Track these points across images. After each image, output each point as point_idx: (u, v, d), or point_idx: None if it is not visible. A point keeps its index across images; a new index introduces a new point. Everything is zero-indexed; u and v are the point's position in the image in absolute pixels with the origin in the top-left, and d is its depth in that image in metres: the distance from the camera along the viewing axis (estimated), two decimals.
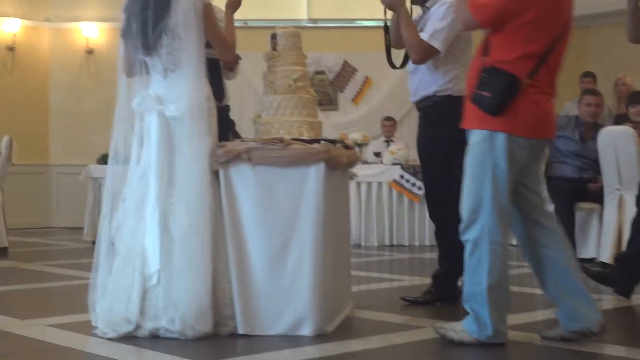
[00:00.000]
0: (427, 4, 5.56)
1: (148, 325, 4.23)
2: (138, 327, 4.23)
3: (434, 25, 5.33)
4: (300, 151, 4.34)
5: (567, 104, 9.80)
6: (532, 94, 4.04)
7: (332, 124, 12.98)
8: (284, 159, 4.33)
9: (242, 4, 4.99)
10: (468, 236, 4.14)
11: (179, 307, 4.18)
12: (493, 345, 4.09)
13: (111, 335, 4.24)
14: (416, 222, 9.96)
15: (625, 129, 7.25)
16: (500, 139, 4.04)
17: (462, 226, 4.18)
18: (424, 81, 5.51)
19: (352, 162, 4.94)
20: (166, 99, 4.35)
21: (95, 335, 4.34)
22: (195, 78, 4.31)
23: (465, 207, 4.17)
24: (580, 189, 7.92)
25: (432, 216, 5.75)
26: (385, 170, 10.08)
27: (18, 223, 11.83)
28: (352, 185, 9.43)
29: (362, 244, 9.90)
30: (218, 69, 5.03)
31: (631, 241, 5.62)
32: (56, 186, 13.45)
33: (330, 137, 5.09)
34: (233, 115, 5.74)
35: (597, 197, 7.76)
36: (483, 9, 4.08)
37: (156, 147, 4.31)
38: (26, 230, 12.17)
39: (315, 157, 4.32)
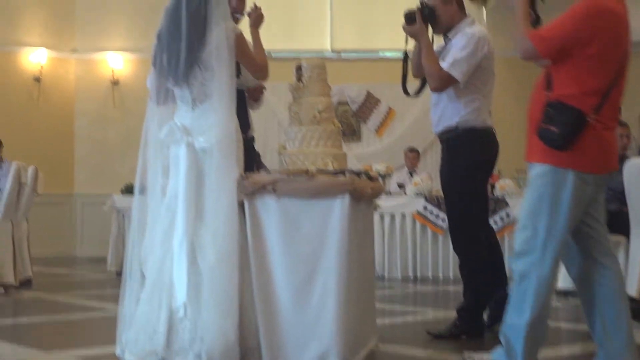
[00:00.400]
0: (449, 35, 5.57)
1: (174, 359, 4.20)
2: None
3: (455, 55, 5.35)
4: (325, 183, 4.33)
5: None
6: (598, 130, 3.99)
7: (355, 155, 12.99)
8: (309, 191, 4.32)
9: (267, 35, 5.02)
10: (517, 267, 4.10)
11: (206, 341, 4.15)
12: None
13: None
14: (440, 254, 9.90)
15: None
16: (568, 175, 4.00)
17: (513, 256, 4.15)
18: (446, 112, 5.52)
19: (377, 194, 4.92)
20: (194, 130, 4.35)
21: None
22: (225, 110, 4.31)
23: (518, 237, 4.14)
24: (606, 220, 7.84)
25: (455, 248, 5.72)
26: (409, 201, 10.05)
27: (42, 253, 11.86)
28: (376, 217, 9.41)
29: (386, 275, 9.85)
30: (243, 99, 5.05)
31: None
32: (80, 216, 13.51)
33: (354, 168, 5.08)
34: (257, 145, 5.76)
35: (624, 229, 7.69)
36: (546, 41, 4.03)
37: (184, 178, 4.31)
38: (50, 260, 12.20)
39: (340, 188, 4.31)
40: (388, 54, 13.80)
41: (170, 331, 4.21)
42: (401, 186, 10.98)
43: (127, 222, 10.25)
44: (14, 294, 8.20)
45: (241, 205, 4.35)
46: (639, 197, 7.18)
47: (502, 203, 9.82)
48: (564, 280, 6.84)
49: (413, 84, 5.68)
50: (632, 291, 7.19)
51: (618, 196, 7.75)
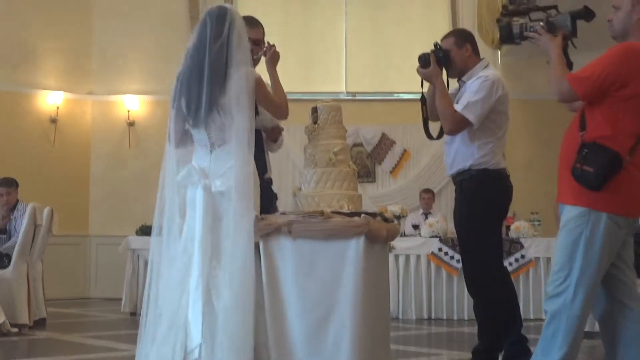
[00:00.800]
0: (464, 78, 5.61)
1: None
2: None
3: (469, 98, 5.38)
4: (341, 224, 4.34)
5: None
6: (631, 172, 4.02)
7: (370, 196, 13.01)
8: (324, 232, 4.33)
9: (283, 77, 5.04)
10: (549, 307, 4.11)
11: None
12: None
13: None
14: (455, 296, 9.87)
15: None
16: (602, 218, 4.02)
17: (546, 296, 4.15)
18: (460, 155, 5.53)
19: (392, 236, 4.92)
20: (211, 174, 4.36)
21: None
22: (243, 154, 4.30)
23: (552, 278, 4.14)
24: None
25: (470, 290, 5.71)
26: (424, 242, 10.05)
27: (56, 294, 11.90)
28: (391, 258, 9.41)
29: (400, 316, 9.82)
30: (260, 141, 5.07)
31: None
32: (95, 257, 13.52)
33: (368, 209, 5.09)
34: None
35: None
36: (584, 82, 4.05)
37: (201, 220, 4.31)
38: (64, 301, 12.21)
39: (355, 230, 4.32)
40: (403, 96, 13.86)
41: None
42: (416, 227, 10.98)
43: (141, 263, 10.27)
44: (28, 334, 8.20)
45: (256, 246, 4.36)
46: None
47: (517, 245, 9.80)
48: None
49: (434, 126, 5.70)
50: None
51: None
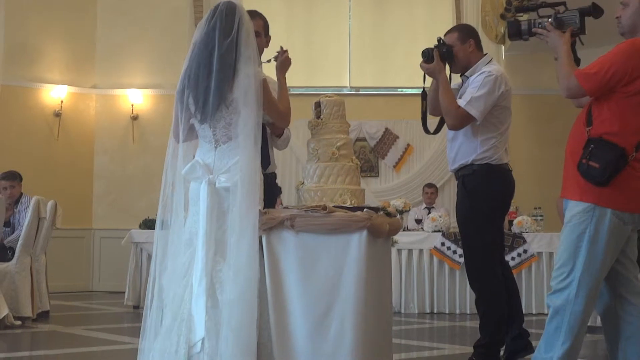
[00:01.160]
0: (467, 73, 5.62)
1: None
2: None
3: (472, 93, 5.39)
4: (343, 219, 4.35)
5: None
6: (637, 169, 4.03)
7: (373, 190, 13.03)
8: (327, 226, 4.33)
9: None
10: (552, 302, 4.12)
11: None
12: None
13: None
14: (457, 290, 9.88)
15: None
16: (606, 214, 4.03)
17: (551, 290, 4.17)
18: (462, 150, 5.54)
19: (395, 230, 4.93)
20: (216, 169, 4.36)
21: None
22: (250, 149, 4.28)
23: (555, 274, 4.15)
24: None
25: (471, 284, 5.72)
26: (427, 237, 10.06)
27: (60, 286, 11.94)
28: (393, 252, 9.41)
29: (402, 311, 9.84)
30: (265, 135, 5.08)
31: None
32: (98, 250, 13.55)
33: (371, 203, 5.09)
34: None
35: None
36: (591, 77, 4.06)
37: (205, 215, 4.31)
38: (68, 294, 12.24)
39: (358, 224, 4.32)
40: (406, 91, 13.87)
41: None
42: (419, 222, 10.99)
43: (144, 257, 10.29)
44: (31, 326, 8.23)
45: (259, 240, 4.37)
46: None
47: (519, 239, 9.81)
48: None
49: (432, 121, 5.72)
50: None
51: None
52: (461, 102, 5.40)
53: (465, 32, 5.70)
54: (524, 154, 12.96)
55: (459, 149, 5.57)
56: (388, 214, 4.81)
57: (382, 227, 4.50)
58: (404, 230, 10.41)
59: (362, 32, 14.20)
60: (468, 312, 9.65)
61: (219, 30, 4.33)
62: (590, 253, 4.03)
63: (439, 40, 5.57)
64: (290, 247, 4.36)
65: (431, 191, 12.04)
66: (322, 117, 4.83)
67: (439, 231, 10.05)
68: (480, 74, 5.48)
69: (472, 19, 12.53)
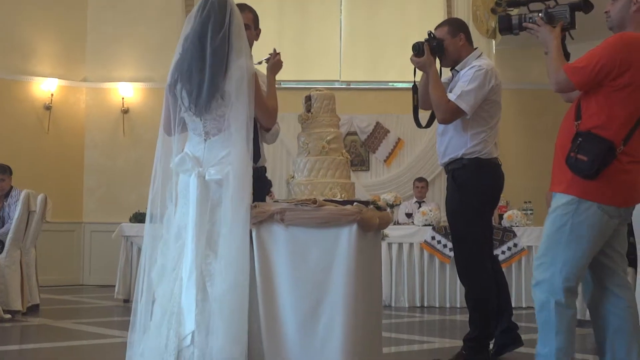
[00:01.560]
0: (457, 67, 5.63)
1: None
2: None
3: (462, 87, 5.40)
4: (333, 212, 4.35)
5: None
6: (624, 163, 4.03)
7: (363, 184, 13.04)
8: (317, 220, 4.33)
9: None
10: (536, 296, 4.13)
11: None
12: None
13: None
14: (447, 284, 9.92)
15: None
16: (590, 208, 4.04)
17: (532, 283, 4.18)
18: (452, 144, 5.55)
19: (385, 224, 4.94)
20: (205, 162, 4.36)
21: None
22: (242, 142, 4.29)
23: (536, 265, 4.16)
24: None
25: (461, 278, 5.74)
26: (417, 231, 10.08)
27: (50, 280, 11.93)
28: (383, 246, 9.44)
29: (393, 304, 9.86)
30: (255, 128, 5.08)
31: None
32: (89, 244, 13.54)
33: (361, 197, 5.10)
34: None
35: (632, 262, 7.68)
36: (579, 71, 4.07)
37: (194, 208, 4.30)
38: (58, 288, 12.23)
39: (348, 218, 4.33)
40: (397, 85, 13.88)
41: (178, 358, 4.21)
42: (409, 216, 11.01)
43: (135, 250, 10.29)
44: (21, 320, 8.22)
45: (249, 234, 4.37)
46: None
47: (509, 233, 9.84)
48: None
49: (424, 115, 5.72)
50: None
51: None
52: (451, 96, 5.41)
53: (455, 26, 5.70)
54: (513, 148, 12.99)
55: (449, 143, 5.58)
56: (378, 208, 4.82)
57: (372, 220, 4.50)
58: (394, 224, 10.43)
59: (354, 26, 14.20)
60: (458, 305, 9.69)
61: (212, 23, 4.33)
62: (571, 245, 4.04)
63: (429, 34, 5.58)
64: (280, 240, 4.36)
65: (422, 185, 12.06)
66: (312, 110, 4.84)
67: (429, 225, 10.07)
68: (471, 68, 5.49)
69: (463, 13, 12.54)
